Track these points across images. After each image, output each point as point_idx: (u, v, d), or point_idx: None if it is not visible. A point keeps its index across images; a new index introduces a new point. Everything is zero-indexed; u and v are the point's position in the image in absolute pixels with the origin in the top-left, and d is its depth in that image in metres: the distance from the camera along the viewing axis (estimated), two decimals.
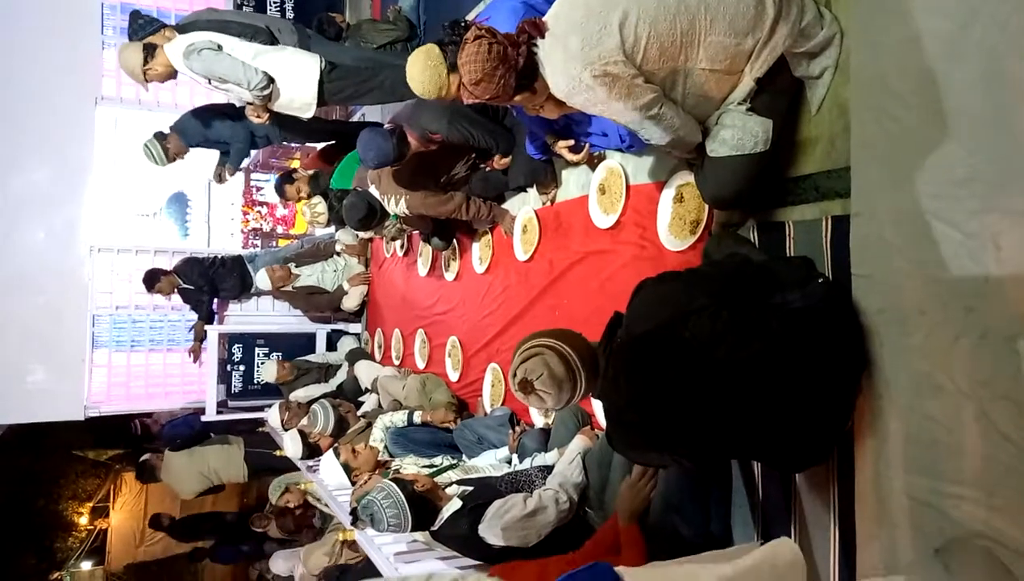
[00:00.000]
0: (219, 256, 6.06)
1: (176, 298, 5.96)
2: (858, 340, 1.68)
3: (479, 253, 4.02)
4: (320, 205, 5.09)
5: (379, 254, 5.72)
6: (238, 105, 4.01)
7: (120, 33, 6.15)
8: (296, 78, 3.71)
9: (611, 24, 1.71)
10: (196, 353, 6.00)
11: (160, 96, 6.33)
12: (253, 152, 5.62)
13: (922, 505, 1.56)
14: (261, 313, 6.41)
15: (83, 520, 11.17)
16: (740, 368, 1.53)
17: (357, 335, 6.27)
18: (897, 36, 1.62)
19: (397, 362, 5.17)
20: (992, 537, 1.42)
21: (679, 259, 2.46)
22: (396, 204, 3.70)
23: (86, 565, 11.05)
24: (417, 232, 4.56)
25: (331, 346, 6.32)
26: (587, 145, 2.66)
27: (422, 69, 2.29)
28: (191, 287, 5.77)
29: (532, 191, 3.44)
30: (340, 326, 6.43)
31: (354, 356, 5.56)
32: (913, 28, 1.58)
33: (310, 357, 6.02)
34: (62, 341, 6.05)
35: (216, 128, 4.60)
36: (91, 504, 11.08)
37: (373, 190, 3.83)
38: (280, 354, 6.06)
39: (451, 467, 3.19)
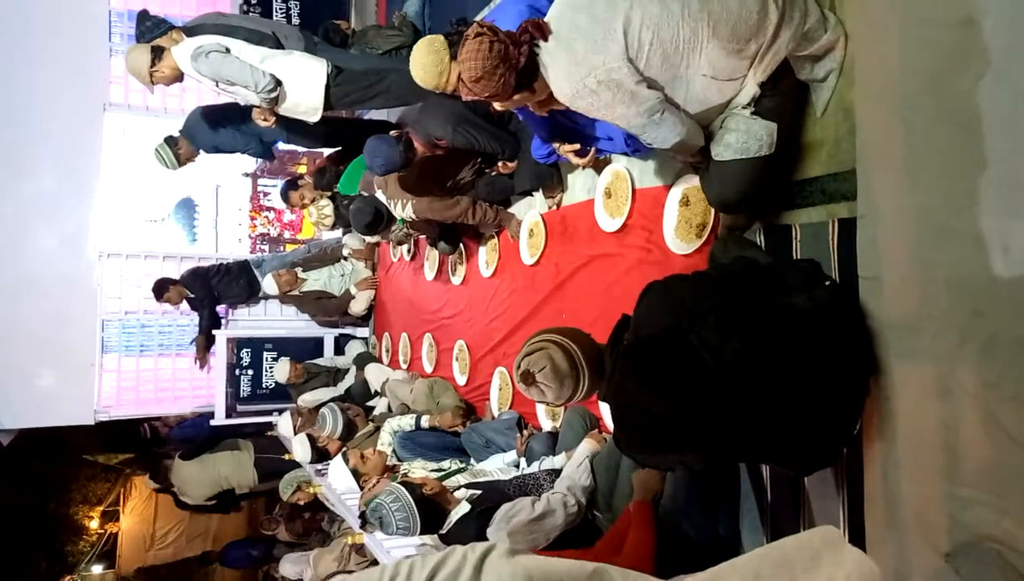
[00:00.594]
0: (223, 263, 6.07)
1: (185, 305, 5.99)
2: (865, 343, 1.68)
3: (486, 257, 4.03)
4: (327, 207, 5.11)
5: (386, 258, 5.74)
6: (243, 105, 4.03)
7: (128, 40, 6.18)
8: (303, 82, 3.73)
9: (615, 29, 1.72)
10: (203, 361, 6.02)
11: (167, 102, 6.37)
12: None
13: (932, 508, 1.56)
14: (269, 318, 6.43)
15: (94, 524, 11.20)
16: (747, 371, 1.53)
17: (365, 339, 6.29)
18: (903, 37, 1.62)
19: (405, 366, 5.18)
20: (1002, 540, 1.41)
21: (685, 263, 2.46)
22: (403, 209, 3.71)
23: (97, 569, 11.08)
24: (424, 236, 4.57)
25: (339, 350, 6.34)
26: (592, 149, 2.67)
27: (425, 54, 2.30)
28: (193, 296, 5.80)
29: (538, 195, 3.45)
30: (348, 330, 6.45)
31: (362, 360, 5.58)
32: (919, 29, 1.57)
33: (318, 361, 6.03)
34: (72, 346, 6.09)
35: (225, 136, 4.62)
36: (101, 508, 11.11)
37: (380, 195, 3.84)
38: (287, 357, 6.07)
39: (459, 471, 3.20)
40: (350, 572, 5.01)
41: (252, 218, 7.44)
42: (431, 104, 3.33)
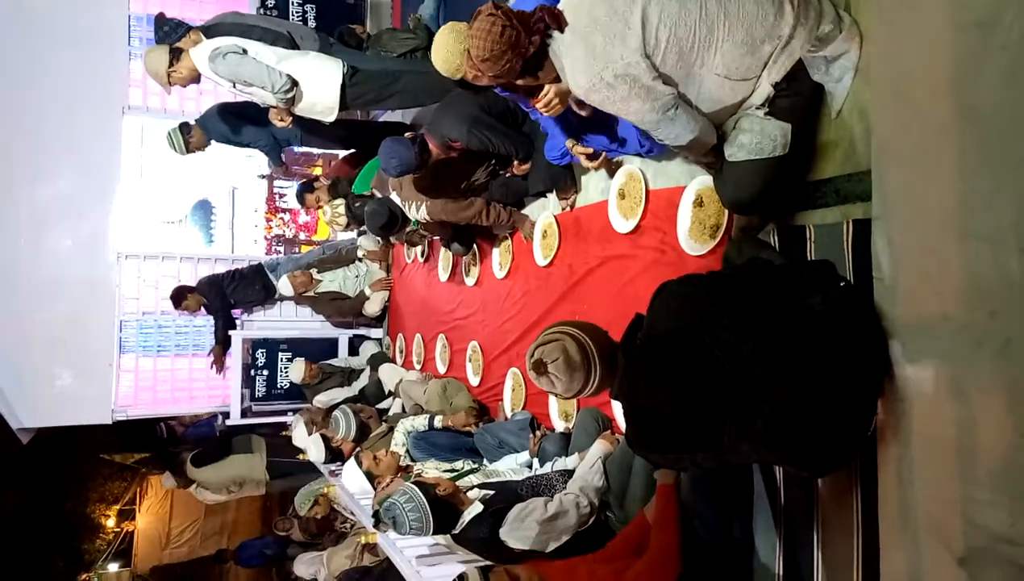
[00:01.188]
0: (237, 270, 6.12)
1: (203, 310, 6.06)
2: (880, 344, 1.68)
3: (499, 258, 4.04)
4: (341, 207, 5.15)
5: (400, 259, 5.77)
6: (261, 106, 4.08)
7: (147, 44, 6.24)
8: (319, 82, 3.77)
9: (633, 24, 1.72)
10: (220, 368, 6.08)
11: (185, 105, 6.43)
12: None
13: (946, 510, 1.55)
14: (284, 318, 6.48)
15: (110, 522, 11.31)
16: (761, 372, 1.53)
17: (379, 340, 6.32)
18: (920, 35, 1.61)
19: (418, 367, 5.20)
20: (1017, 542, 1.40)
21: (699, 264, 2.46)
22: (417, 210, 3.73)
23: (113, 567, 11.19)
24: (438, 238, 4.59)
25: (353, 351, 6.38)
26: (603, 153, 2.67)
27: (447, 36, 2.30)
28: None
29: (552, 196, 3.46)
30: (362, 331, 6.48)
31: (376, 360, 5.61)
32: (937, 27, 1.56)
33: (333, 361, 6.07)
34: (90, 346, 6.15)
35: (240, 130, 4.67)
36: (118, 507, 11.23)
37: (394, 197, 3.86)
38: (303, 358, 6.11)
39: (472, 471, 3.21)
40: (361, 568, 5.04)
41: (268, 219, 7.50)
42: (446, 105, 3.35)
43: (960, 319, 1.51)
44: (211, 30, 3.98)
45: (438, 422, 3.90)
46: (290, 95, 3.71)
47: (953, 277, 1.52)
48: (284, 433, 5.87)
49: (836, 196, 1.96)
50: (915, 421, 1.62)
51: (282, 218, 7.64)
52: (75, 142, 6.15)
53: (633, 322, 1.82)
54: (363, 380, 5.62)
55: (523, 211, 3.71)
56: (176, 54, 3.76)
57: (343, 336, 6.49)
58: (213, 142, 4.77)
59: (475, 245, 4.29)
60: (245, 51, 3.65)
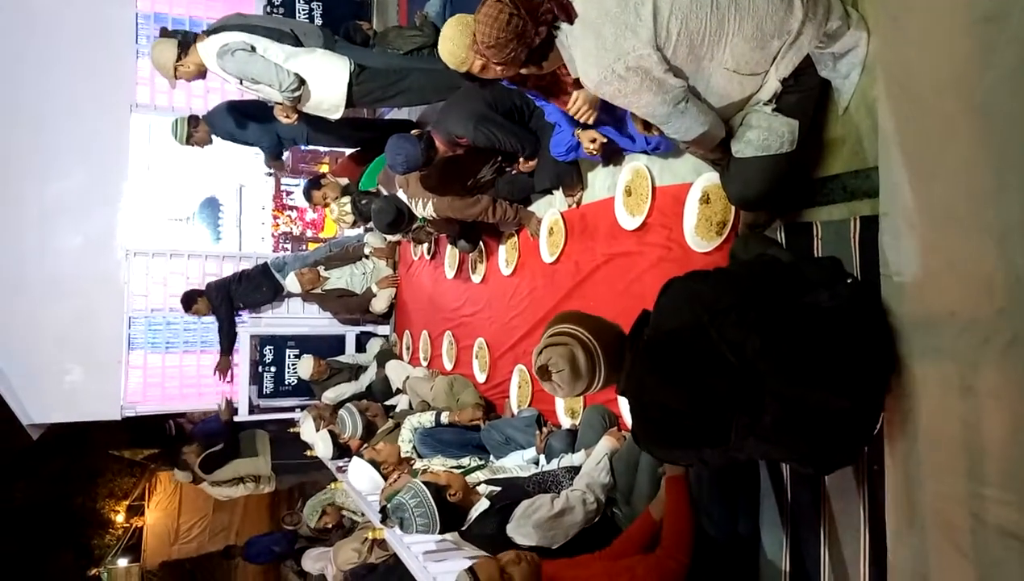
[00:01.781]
0: (244, 271, 6.13)
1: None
2: (887, 341, 1.67)
3: (505, 255, 4.05)
4: (348, 204, 5.17)
5: (407, 257, 5.78)
6: (270, 105, 4.09)
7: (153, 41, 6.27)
8: (326, 80, 3.77)
9: (644, 15, 1.70)
10: (224, 375, 6.11)
11: (192, 103, 6.46)
12: (285, 153, 5.72)
13: (953, 507, 1.55)
14: (292, 315, 6.51)
15: (119, 518, 11.40)
16: (768, 368, 1.53)
17: (386, 337, 6.34)
18: (927, 33, 1.61)
19: (425, 363, 5.21)
20: None
21: (706, 260, 2.46)
22: (423, 207, 3.74)
23: (122, 562, 11.28)
24: (444, 235, 4.59)
25: (360, 348, 6.40)
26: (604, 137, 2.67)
27: (454, 28, 2.30)
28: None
29: (558, 193, 3.46)
30: (369, 328, 6.50)
31: (383, 357, 5.63)
32: (943, 25, 1.56)
33: (340, 358, 6.10)
34: (99, 343, 6.19)
35: (245, 129, 4.69)
36: (127, 502, 11.30)
37: (401, 194, 3.87)
38: (311, 354, 6.13)
39: (478, 468, 3.22)
40: (369, 564, 5.06)
41: (275, 217, 7.53)
42: (452, 102, 3.36)
43: (967, 316, 1.51)
44: (214, 33, 3.99)
45: (445, 418, 3.91)
46: (297, 94, 3.72)
47: (960, 274, 1.52)
48: (292, 430, 5.90)
49: (843, 192, 1.96)
50: (922, 418, 1.62)
51: (289, 216, 7.67)
52: (83, 140, 6.18)
53: (640, 318, 1.81)
54: (370, 376, 5.65)
55: (529, 208, 3.71)
56: (184, 48, 3.78)
57: (350, 333, 6.51)
58: (217, 140, 4.80)
59: (481, 242, 4.30)
60: (253, 48, 3.66)
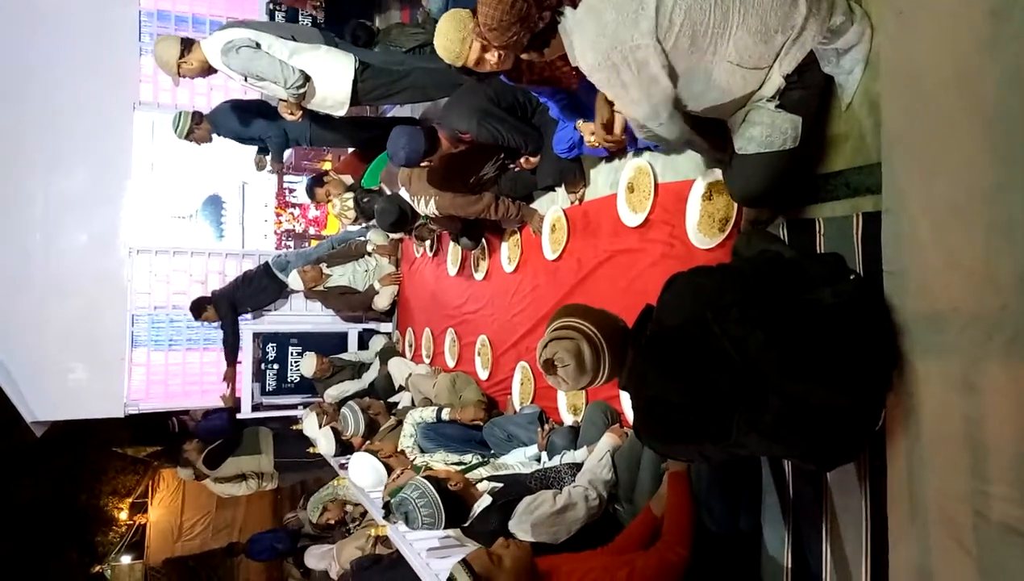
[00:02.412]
0: (246, 274, 6.14)
1: None
2: (890, 337, 1.67)
3: (508, 252, 4.05)
4: (350, 201, 5.17)
5: (409, 254, 5.78)
6: (273, 104, 4.09)
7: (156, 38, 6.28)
8: (331, 76, 3.78)
9: (648, 4, 1.70)
10: (231, 382, 6.12)
11: (196, 100, 6.47)
12: (287, 151, 5.73)
13: (956, 504, 1.55)
14: (294, 313, 6.52)
15: (123, 515, 11.43)
16: (770, 364, 1.53)
17: (388, 334, 6.35)
18: (931, 29, 1.60)
19: (427, 361, 5.22)
20: None
21: (708, 257, 2.46)
22: (426, 205, 3.74)
23: (126, 559, 11.32)
24: (446, 232, 4.60)
25: (363, 345, 6.41)
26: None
27: (449, 22, 2.29)
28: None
29: (560, 190, 3.46)
30: (371, 325, 6.51)
31: (386, 354, 5.63)
32: (947, 21, 1.56)
33: (343, 355, 6.10)
34: (102, 340, 6.21)
35: (251, 125, 4.69)
36: (130, 500, 11.34)
37: (403, 192, 3.87)
38: (313, 352, 6.15)
39: (481, 464, 3.22)
40: (373, 555, 5.07)
41: (278, 214, 7.53)
42: (455, 99, 3.35)
43: (970, 312, 1.51)
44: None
45: (445, 414, 3.92)
46: (302, 90, 3.72)
47: (963, 270, 1.52)
48: (295, 427, 5.91)
49: (846, 189, 1.95)
50: (924, 415, 1.62)
51: (292, 213, 7.67)
52: (87, 138, 6.20)
53: (643, 313, 1.81)
54: (373, 374, 5.65)
55: (532, 205, 3.71)
56: (187, 45, 3.78)
57: (352, 330, 6.52)
58: (219, 138, 4.79)
59: (484, 239, 4.30)
60: (258, 45, 3.66)
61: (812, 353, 1.56)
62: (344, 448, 4.53)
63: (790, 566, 2.07)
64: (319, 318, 6.53)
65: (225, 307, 5.84)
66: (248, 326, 6.16)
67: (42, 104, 6.05)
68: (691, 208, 2.54)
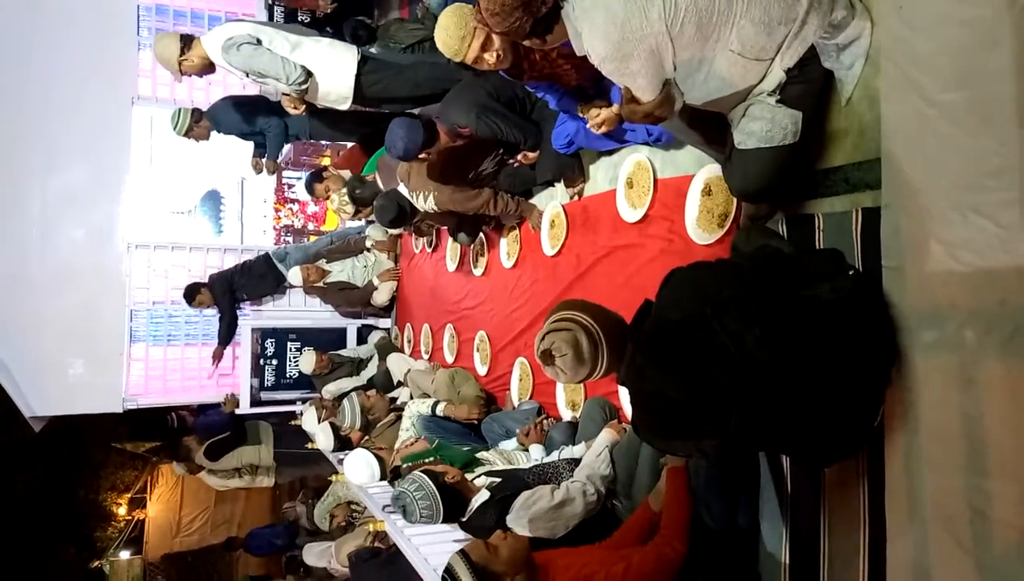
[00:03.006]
0: (246, 262, 6.16)
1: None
2: (888, 333, 1.67)
3: (507, 248, 4.04)
4: (347, 194, 5.15)
5: (408, 250, 5.78)
6: (272, 99, 4.07)
7: (156, 35, 6.26)
8: (334, 70, 3.76)
9: None
10: (217, 360, 6.15)
11: (195, 96, 6.45)
12: (286, 146, 5.71)
13: (954, 500, 1.55)
14: (293, 309, 6.52)
15: (121, 511, 11.43)
16: (768, 360, 1.53)
17: (387, 330, 6.34)
18: (931, 22, 1.60)
19: (426, 356, 5.22)
20: None
21: (707, 253, 2.45)
22: (425, 201, 3.73)
23: (124, 555, 11.32)
24: (445, 227, 4.59)
25: (362, 341, 6.41)
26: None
27: (450, 16, 2.27)
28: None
29: (559, 186, 3.45)
30: (370, 321, 6.51)
31: (384, 349, 5.63)
32: (947, 14, 1.55)
33: (342, 351, 6.10)
34: (101, 335, 6.20)
35: (251, 119, 4.68)
36: (129, 495, 11.34)
37: (402, 188, 3.87)
38: (312, 348, 6.16)
39: (483, 449, 3.24)
40: (372, 548, 5.08)
41: (277, 210, 7.52)
42: (455, 93, 3.35)
43: (969, 307, 1.51)
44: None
45: (440, 409, 3.91)
46: (304, 87, 3.71)
47: (962, 265, 1.52)
48: (293, 422, 5.91)
49: (845, 184, 1.95)
50: (923, 411, 1.62)
51: (291, 209, 7.66)
52: (85, 133, 6.18)
53: (642, 308, 1.81)
54: (372, 369, 5.65)
55: (531, 201, 3.71)
56: (187, 42, 3.76)
57: (351, 326, 6.52)
58: (217, 135, 4.78)
59: (483, 235, 4.29)
60: (259, 41, 3.64)
61: (810, 349, 1.55)
62: (343, 443, 4.53)
63: (788, 562, 2.07)
64: (318, 314, 6.53)
65: (222, 289, 5.84)
66: (247, 322, 6.15)
67: (40, 99, 6.03)
68: (690, 203, 2.54)
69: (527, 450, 3.13)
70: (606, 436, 2.62)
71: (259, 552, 8.64)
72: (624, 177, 2.92)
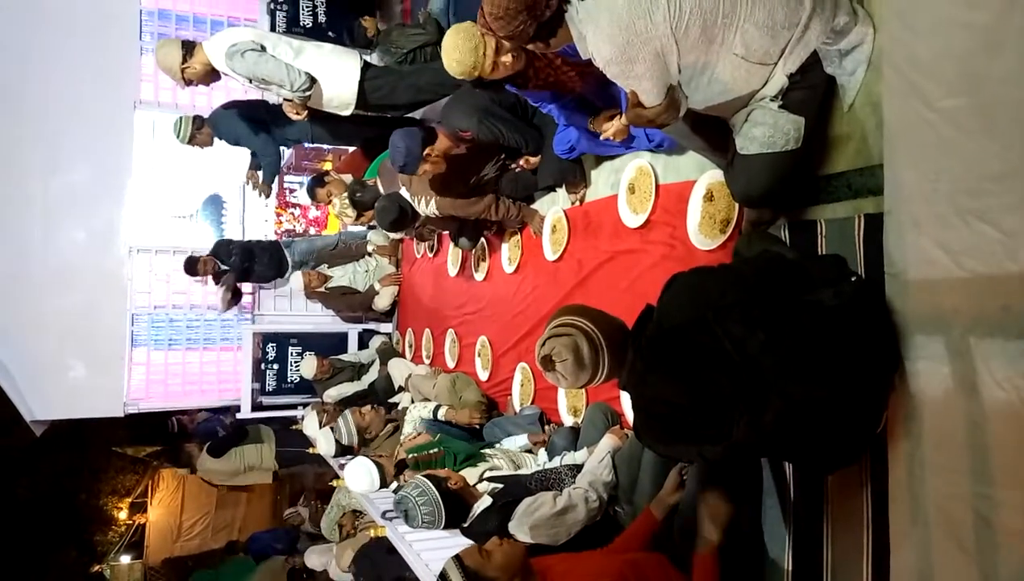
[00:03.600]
0: (258, 242, 6.21)
1: (211, 298, 6.07)
2: (891, 339, 1.67)
3: (508, 253, 4.04)
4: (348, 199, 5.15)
5: (410, 254, 5.78)
6: (273, 103, 4.06)
7: (158, 39, 6.28)
8: (337, 77, 3.77)
9: None
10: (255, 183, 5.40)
11: (196, 100, 6.46)
12: (286, 152, 5.69)
13: (957, 506, 1.54)
14: (294, 313, 6.52)
15: (122, 515, 11.41)
16: (771, 366, 1.53)
17: (388, 335, 6.34)
18: (933, 27, 1.60)
19: (427, 361, 5.21)
20: None
21: (709, 258, 2.45)
22: (426, 205, 3.73)
23: (125, 559, 11.29)
24: (447, 232, 4.59)
25: (363, 346, 6.40)
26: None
27: (456, 36, 2.27)
28: (227, 268, 5.86)
29: (561, 191, 3.45)
30: (371, 326, 6.51)
31: (386, 354, 5.62)
32: (950, 19, 1.55)
33: (343, 356, 6.10)
34: (102, 339, 6.20)
35: (248, 137, 4.68)
36: (130, 499, 11.32)
37: (404, 192, 3.87)
38: (313, 353, 6.15)
39: (486, 445, 3.24)
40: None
41: (278, 215, 7.51)
42: (456, 98, 3.35)
43: (972, 313, 1.50)
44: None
45: (441, 414, 3.91)
46: (308, 93, 3.71)
47: (965, 271, 1.51)
48: (294, 427, 5.91)
49: (848, 190, 1.95)
50: (926, 417, 1.61)
51: (292, 213, 7.66)
52: (87, 137, 6.19)
53: (643, 313, 1.81)
54: (373, 374, 5.64)
55: (532, 206, 3.71)
56: (189, 49, 3.76)
57: (353, 331, 6.52)
58: (218, 142, 4.78)
59: (484, 240, 4.29)
60: (263, 47, 3.64)
61: (813, 355, 1.55)
62: (343, 449, 4.52)
63: (791, 568, 2.06)
64: (319, 318, 6.53)
65: (227, 250, 5.80)
66: (248, 326, 6.15)
67: (43, 102, 6.04)
68: (692, 209, 2.54)
69: (534, 452, 3.13)
70: (608, 442, 2.61)
71: (260, 555, 8.62)
72: (626, 182, 2.92)
